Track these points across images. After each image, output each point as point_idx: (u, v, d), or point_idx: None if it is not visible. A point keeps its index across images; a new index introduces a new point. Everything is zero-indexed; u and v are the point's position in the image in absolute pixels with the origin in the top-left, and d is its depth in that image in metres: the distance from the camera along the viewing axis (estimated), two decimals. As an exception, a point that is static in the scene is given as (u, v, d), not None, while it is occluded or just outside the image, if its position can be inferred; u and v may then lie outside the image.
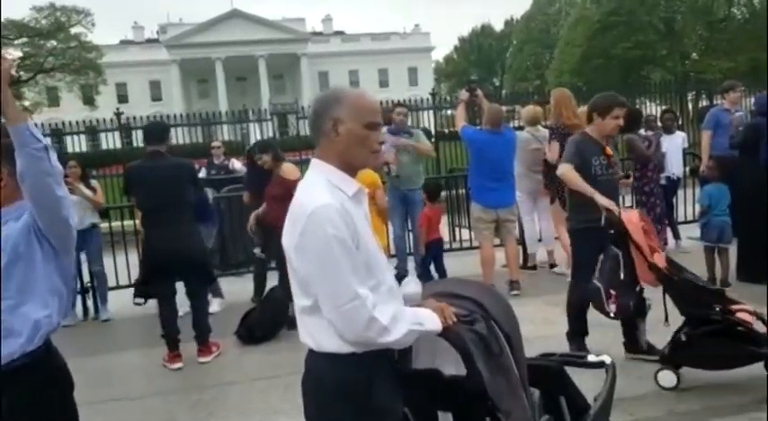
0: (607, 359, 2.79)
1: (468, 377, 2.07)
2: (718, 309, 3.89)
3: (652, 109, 13.45)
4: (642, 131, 7.59)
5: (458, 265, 7.35)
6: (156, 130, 5.23)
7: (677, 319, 4.11)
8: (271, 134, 15.38)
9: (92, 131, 15.34)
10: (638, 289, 4.20)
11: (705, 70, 29.47)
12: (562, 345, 4.54)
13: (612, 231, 4.11)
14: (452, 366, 2.22)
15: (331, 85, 59.35)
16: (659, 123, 8.26)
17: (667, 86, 18.24)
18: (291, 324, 5.37)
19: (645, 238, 4.04)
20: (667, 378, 4.02)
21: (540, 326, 5.12)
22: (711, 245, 6.06)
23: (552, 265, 7.10)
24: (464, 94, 6.52)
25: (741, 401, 3.77)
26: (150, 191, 5.04)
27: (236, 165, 9.68)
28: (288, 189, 5.42)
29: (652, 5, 32.61)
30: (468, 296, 2.18)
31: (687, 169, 8.71)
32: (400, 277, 6.57)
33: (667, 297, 4.09)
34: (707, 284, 4.55)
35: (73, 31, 39.77)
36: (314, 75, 60.25)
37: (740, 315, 3.80)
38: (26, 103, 39.24)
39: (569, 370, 2.65)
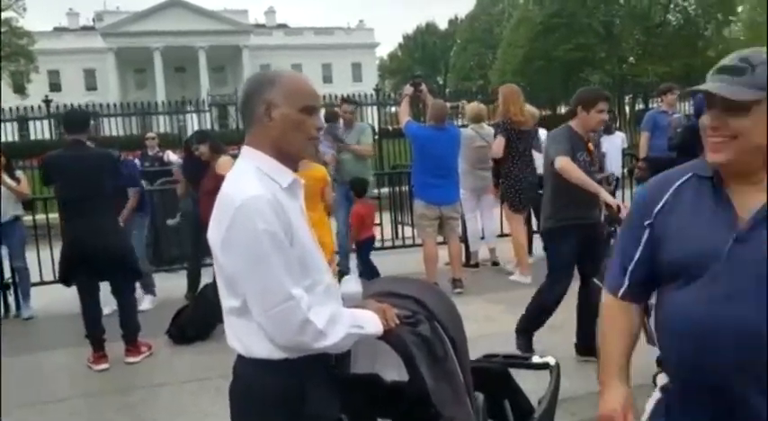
0: (551, 360, 2.72)
1: (411, 382, 1.95)
2: None
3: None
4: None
5: (400, 263, 7.24)
6: (77, 119, 4.90)
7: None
8: (209, 126, 14.97)
9: (21, 120, 14.60)
10: None
11: (641, 74, 30.34)
12: (505, 344, 4.47)
13: (613, 228, 4.00)
14: (394, 371, 2.08)
15: (274, 78, 59.64)
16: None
17: (606, 88, 18.61)
18: None
19: None
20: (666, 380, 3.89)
21: (483, 324, 5.05)
22: None
23: (495, 263, 7.07)
24: (408, 89, 6.41)
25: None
26: (70, 182, 4.73)
27: (172, 157, 9.35)
28: (220, 183, 5.23)
29: (592, 9, 33.38)
30: (411, 295, 2.05)
31: (626, 170, 8.85)
32: (342, 275, 6.42)
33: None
34: None
35: (3, 15, 37.96)
36: (256, 68, 58.91)
37: None
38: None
39: (513, 371, 2.57)
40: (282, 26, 67.11)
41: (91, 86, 57.26)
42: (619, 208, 3.94)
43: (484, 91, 19.55)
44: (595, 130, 4.40)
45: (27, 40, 39.10)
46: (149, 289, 6.43)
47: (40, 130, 13.48)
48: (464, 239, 7.15)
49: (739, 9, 33.67)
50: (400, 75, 66.86)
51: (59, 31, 61.06)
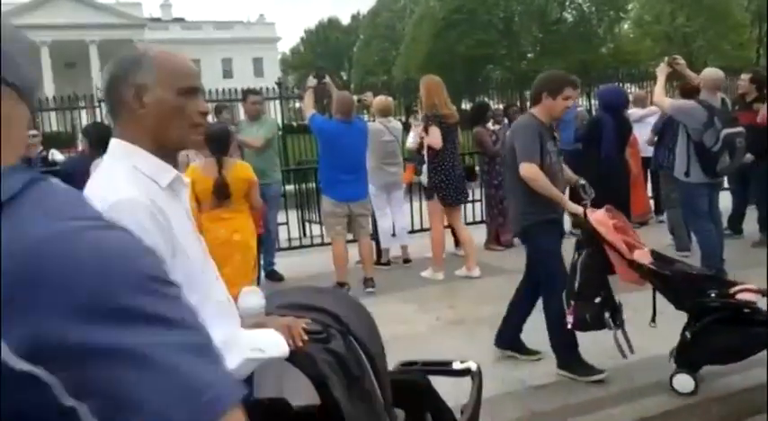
0: (473, 365, 2.55)
1: (323, 406, 1.71)
2: (714, 294, 3.52)
3: (493, 106, 13.88)
4: (489, 125, 7.63)
5: (308, 263, 6.97)
6: None
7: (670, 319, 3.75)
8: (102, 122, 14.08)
9: None
10: (597, 300, 3.66)
11: (541, 69, 31.30)
12: (420, 347, 4.31)
13: (579, 234, 3.83)
14: (303, 394, 1.84)
15: (172, 74, 57.68)
16: (505, 118, 8.36)
17: (507, 84, 19.07)
18: None
19: (620, 236, 3.64)
20: (683, 383, 3.60)
21: (397, 326, 4.85)
22: None
23: (406, 260, 6.91)
24: (312, 81, 6.14)
25: (599, 395, 3.72)
26: None
27: (57, 156, 8.65)
28: None
29: (491, 5, 34.17)
30: (322, 307, 1.80)
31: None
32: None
33: (659, 295, 3.70)
34: (701, 271, 4.19)
35: None
36: (152, 63, 57.12)
37: (742, 295, 3.45)
38: None
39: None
40: (179, 20, 65.03)
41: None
42: (585, 214, 3.71)
43: (388, 86, 19.49)
44: (558, 118, 4.10)
45: None
46: None
47: None
48: (375, 237, 6.96)
49: (629, 7, 35.34)
50: (303, 69, 66.22)
51: (-67, 22, 56.60)
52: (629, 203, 6.15)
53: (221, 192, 4.52)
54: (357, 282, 5.90)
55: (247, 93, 6.73)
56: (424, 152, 6.15)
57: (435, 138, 5.89)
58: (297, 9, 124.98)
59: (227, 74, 58.16)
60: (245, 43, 61.65)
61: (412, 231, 7.63)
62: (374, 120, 6.82)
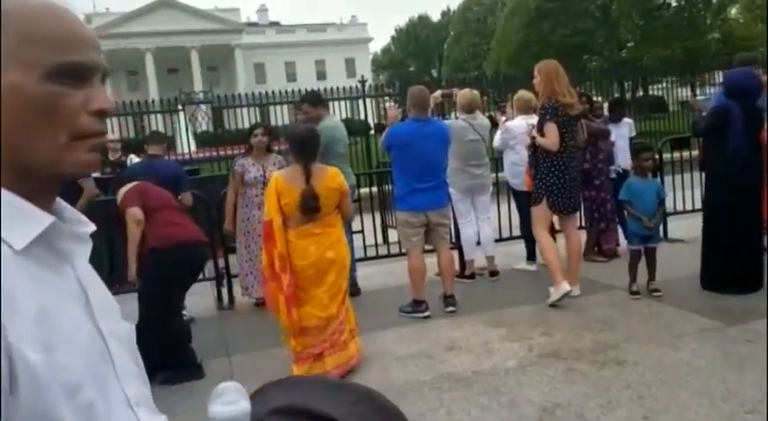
0: None
1: None
2: None
3: (597, 97, 12.83)
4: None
5: (388, 274, 6.38)
6: None
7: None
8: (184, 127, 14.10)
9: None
10: None
11: (641, 58, 29.39)
12: (507, 388, 3.62)
13: None
14: None
15: (267, 76, 58.62)
16: (605, 112, 7.47)
17: (605, 74, 17.80)
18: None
19: None
20: None
21: (480, 356, 4.17)
22: (635, 248, 5.29)
23: (493, 273, 6.18)
24: (393, 108, 5.55)
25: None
26: None
27: (136, 160, 8.47)
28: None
29: (588, -8, 32.53)
30: (331, 416, 1.16)
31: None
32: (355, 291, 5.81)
33: None
34: None
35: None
36: (249, 66, 58.67)
37: None
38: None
39: None
40: (275, 24, 66.75)
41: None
42: None
43: (478, 81, 18.63)
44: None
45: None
46: None
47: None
48: (457, 247, 6.29)
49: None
50: (393, 68, 66.12)
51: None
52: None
53: (310, 206, 3.94)
54: (436, 300, 5.25)
55: (302, 101, 6.11)
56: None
57: (552, 138, 5.03)
58: (389, 8, 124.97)
59: (321, 75, 58.98)
60: (337, 45, 62.49)
61: (499, 240, 6.89)
62: (458, 117, 6.13)
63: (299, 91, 15.27)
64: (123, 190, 4.39)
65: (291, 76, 58.48)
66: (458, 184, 6.03)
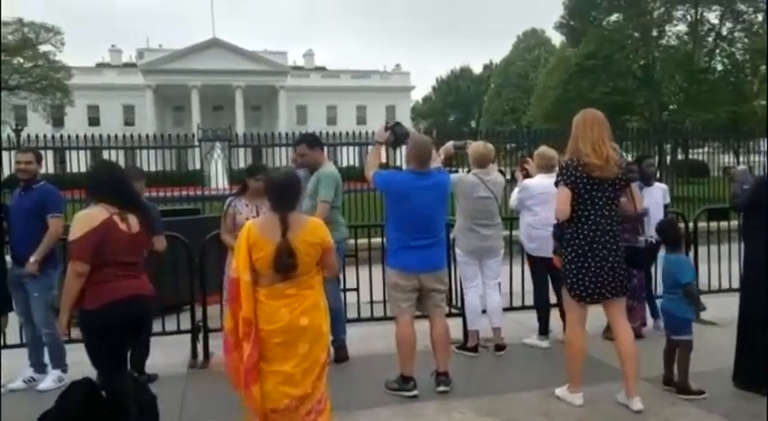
0: None
1: None
2: None
3: (629, 158, 12.21)
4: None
5: (381, 337, 5.67)
6: None
7: None
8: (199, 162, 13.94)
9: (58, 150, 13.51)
10: None
11: (683, 121, 28.56)
12: None
13: None
14: None
15: (308, 118, 59.24)
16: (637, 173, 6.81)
17: (644, 136, 17.16)
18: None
19: None
20: None
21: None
22: (685, 339, 4.53)
23: (500, 347, 5.56)
24: (382, 134, 4.89)
25: None
26: None
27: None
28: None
29: (630, 51, 31.82)
30: None
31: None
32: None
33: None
34: None
35: (42, 49, 38.43)
36: (292, 108, 59.63)
37: None
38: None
39: None
40: (320, 69, 68.12)
41: (129, 122, 57.93)
42: None
43: (515, 135, 18.18)
44: None
45: (63, 74, 39.40)
46: (59, 360, 5.09)
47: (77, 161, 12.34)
48: (461, 313, 5.69)
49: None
50: (433, 117, 66.36)
51: (101, 66, 62.39)
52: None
53: (285, 263, 3.38)
54: (426, 376, 4.63)
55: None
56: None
57: (560, 204, 4.18)
58: (432, 59, 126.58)
59: (361, 120, 59.73)
60: (379, 92, 63.62)
61: (509, 308, 6.27)
62: (469, 172, 5.62)
63: (339, 134, 15.26)
64: (83, 228, 3.75)
65: (332, 120, 59.23)
66: (464, 245, 5.48)
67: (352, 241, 6.35)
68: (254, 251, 3.43)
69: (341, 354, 5.36)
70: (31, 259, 4.82)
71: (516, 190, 5.91)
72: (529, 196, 5.68)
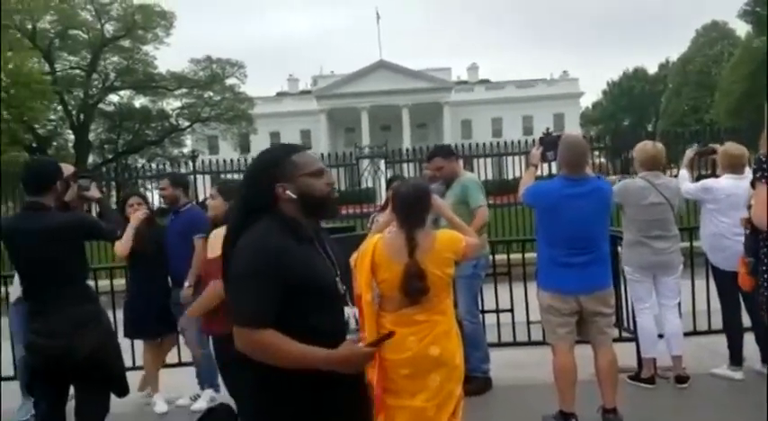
0: None
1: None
2: None
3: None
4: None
5: (534, 365, 5.02)
6: (35, 175, 3.53)
7: None
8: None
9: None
10: None
11: None
12: None
13: None
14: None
15: (473, 131, 59.21)
16: None
17: None
18: None
19: None
20: None
21: None
22: None
23: (680, 379, 4.76)
24: (535, 157, 4.35)
25: None
26: (23, 259, 3.51)
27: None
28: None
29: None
30: None
31: None
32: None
33: None
34: None
35: (227, 82, 41.77)
36: (456, 123, 59.94)
37: None
38: (185, 151, 41.65)
39: None
40: (484, 81, 67.79)
41: (306, 146, 61.14)
42: None
43: (697, 135, 16.39)
44: None
45: (247, 105, 42.45)
46: (211, 381, 5.11)
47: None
48: (633, 338, 4.97)
49: None
50: (603, 123, 63.21)
51: (281, 95, 66.92)
52: None
53: (414, 287, 3.03)
54: (591, 413, 4.02)
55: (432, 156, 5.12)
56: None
57: (757, 207, 3.25)
58: (602, 63, 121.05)
59: (528, 130, 58.44)
60: (546, 100, 62.20)
61: (692, 333, 5.40)
62: (635, 177, 4.92)
63: (504, 144, 14.83)
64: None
65: (497, 132, 58.57)
66: (634, 261, 4.77)
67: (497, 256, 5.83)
68: (378, 272, 3.10)
69: (482, 385, 4.85)
70: (186, 284, 4.91)
71: (695, 185, 5.04)
72: (712, 199, 4.85)
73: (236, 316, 2.03)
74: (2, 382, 5.11)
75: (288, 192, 2.08)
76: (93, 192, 3.88)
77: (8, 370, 5.34)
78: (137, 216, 5.01)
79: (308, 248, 2.12)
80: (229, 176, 13.13)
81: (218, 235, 3.61)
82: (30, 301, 3.50)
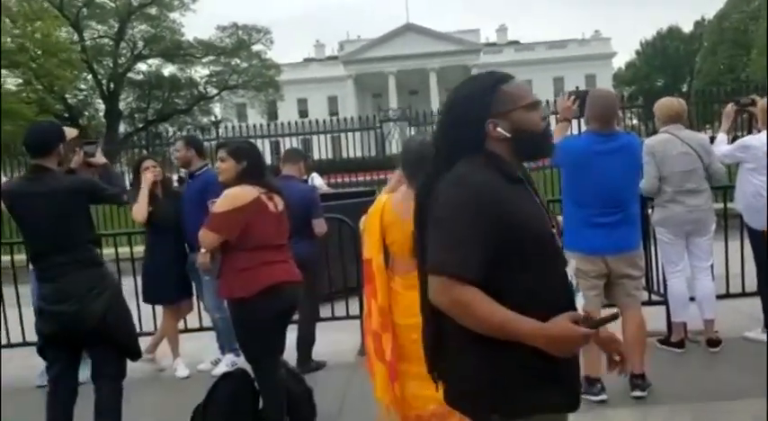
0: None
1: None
2: None
3: None
4: None
5: None
6: (37, 136, 3.43)
7: None
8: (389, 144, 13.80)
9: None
10: None
11: None
12: None
13: None
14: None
15: (502, 95, 59.01)
16: None
17: None
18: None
19: None
20: None
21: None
22: None
23: (712, 342, 4.60)
24: (566, 109, 4.04)
25: None
26: (30, 224, 3.44)
27: (317, 181, 8.16)
28: None
29: None
30: None
31: None
32: None
33: None
34: None
35: (254, 49, 41.54)
36: (485, 86, 59.01)
37: None
38: (213, 119, 41.77)
39: None
40: (514, 43, 66.57)
41: (333, 112, 61.09)
42: None
43: (737, 93, 15.77)
44: None
45: (274, 71, 42.22)
46: (231, 346, 5.08)
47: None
48: (664, 302, 4.80)
49: None
50: (637, 84, 61.67)
51: (308, 61, 66.45)
52: None
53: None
54: (620, 378, 3.89)
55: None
56: None
57: None
58: (636, 22, 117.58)
59: (558, 93, 57.32)
60: (578, 61, 61.30)
61: (725, 295, 5.21)
62: (657, 132, 4.69)
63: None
64: (232, 203, 3.47)
65: (528, 93, 57.83)
66: (665, 220, 4.58)
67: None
68: (388, 233, 2.96)
69: None
70: (202, 250, 4.85)
71: (732, 145, 4.81)
72: (752, 157, 4.60)
73: (433, 262, 1.70)
74: (26, 347, 5.14)
75: (499, 128, 1.74)
76: (99, 157, 3.79)
77: (32, 335, 5.36)
78: (147, 177, 4.95)
79: (522, 190, 1.76)
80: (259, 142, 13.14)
81: (228, 194, 3.51)
82: (37, 267, 3.46)
